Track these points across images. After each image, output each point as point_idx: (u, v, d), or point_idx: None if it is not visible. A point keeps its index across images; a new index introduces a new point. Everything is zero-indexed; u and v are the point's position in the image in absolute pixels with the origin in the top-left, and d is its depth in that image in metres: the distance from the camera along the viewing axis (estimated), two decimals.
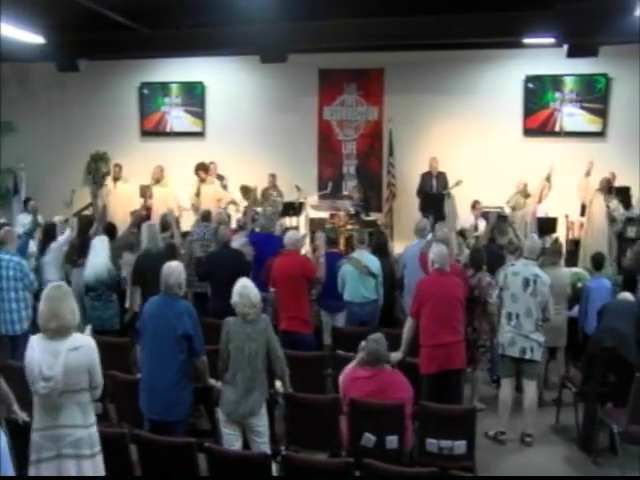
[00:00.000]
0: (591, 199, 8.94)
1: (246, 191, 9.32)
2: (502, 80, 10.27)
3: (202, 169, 9.93)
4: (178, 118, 11.55)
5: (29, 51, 9.11)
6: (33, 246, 7.00)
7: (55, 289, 3.49)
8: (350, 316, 6.04)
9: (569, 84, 10.17)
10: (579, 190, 9.08)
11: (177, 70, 11.28)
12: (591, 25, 7.74)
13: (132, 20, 8.64)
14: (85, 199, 10.66)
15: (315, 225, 9.46)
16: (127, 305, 6.34)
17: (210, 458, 3.76)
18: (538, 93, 10.28)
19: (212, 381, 4.38)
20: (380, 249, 6.42)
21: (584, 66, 9.60)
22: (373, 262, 6.04)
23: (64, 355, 3.32)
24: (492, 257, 6.02)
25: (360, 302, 5.97)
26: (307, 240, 8.06)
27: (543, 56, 9.75)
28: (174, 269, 4.26)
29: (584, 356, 5.38)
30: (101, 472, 3.48)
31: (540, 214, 9.31)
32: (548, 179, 9.02)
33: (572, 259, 8.83)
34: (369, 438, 4.14)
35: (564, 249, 8.13)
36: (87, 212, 10.33)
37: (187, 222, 9.04)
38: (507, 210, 8.98)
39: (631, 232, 8.98)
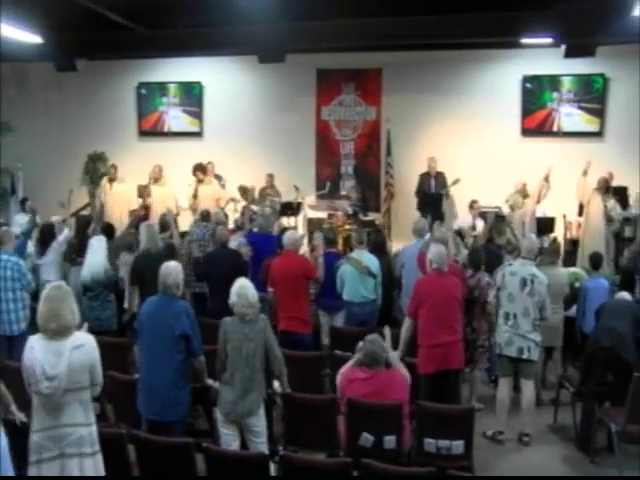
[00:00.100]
0: (589, 199, 8.94)
1: (244, 191, 9.31)
2: (500, 80, 10.28)
3: (200, 170, 9.93)
4: (176, 118, 11.53)
5: (27, 51, 9.10)
6: (31, 246, 6.99)
7: (55, 289, 3.49)
8: (350, 316, 6.04)
9: (567, 84, 10.18)
10: (577, 190, 9.09)
11: (175, 70, 11.26)
12: (589, 25, 7.75)
13: (130, 20, 8.63)
14: (83, 199, 10.65)
15: (313, 225, 9.45)
16: (126, 305, 6.34)
17: (208, 458, 3.76)
18: (536, 93, 10.28)
19: (210, 381, 4.38)
20: (378, 248, 6.42)
21: (581, 66, 9.61)
22: (373, 262, 6.04)
23: (68, 354, 3.34)
24: (490, 257, 6.02)
25: (360, 302, 5.97)
26: (305, 240, 8.06)
27: (541, 56, 9.76)
28: (172, 269, 4.26)
29: (582, 356, 5.39)
30: (101, 470, 3.50)
31: (538, 214, 9.32)
32: (547, 179, 9.03)
33: (570, 259, 8.84)
34: (367, 438, 4.14)
35: (562, 249, 8.13)
36: (85, 212, 10.33)
37: (185, 222, 9.04)
38: (505, 209, 8.98)
39: (628, 232, 9.00)
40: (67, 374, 3.32)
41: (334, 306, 6.16)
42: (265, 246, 6.56)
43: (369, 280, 5.98)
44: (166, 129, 11.60)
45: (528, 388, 5.26)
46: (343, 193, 10.29)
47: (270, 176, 10.26)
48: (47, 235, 6.82)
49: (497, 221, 7.41)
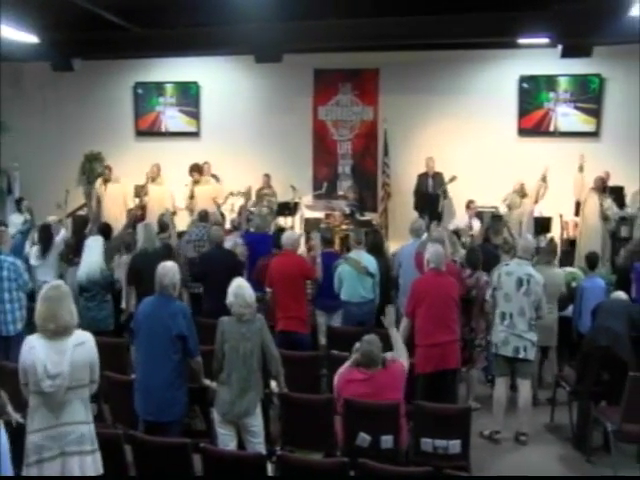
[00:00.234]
0: (585, 198, 8.96)
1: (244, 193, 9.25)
2: (497, 80, 10.29)
3: (196, 170, 9.92)
4: (173, 118, 11.52)
5: (23, 50, 9.06)
6: (28, 247, 6.97)
7: (53, 289, 3.48)
8: (348, 316, 6.03)
9: (563, 84, 10.20)
10: (574, 187, 9.08)
11: (172, 70, 11.25)
12: (585, 26, 7.76)
13: (126, 20, 8.61)
14: (79, 199, 10.63)
15: (310, 225, 9.45)
16: (123, 305, 6.32)
17: (205, 458, 3.76)
18: (532, 93, 10.30)
19: (207, 381, 4.37)
20: (376, 248, 6.42)
21: (578, 66, 9.63)
22: (371, 262, 6.03)
23: (70, 351, 3.36)
24: (487, 257, 6.03)
25: (358, 302, 5.96)
26: (302, 240, 8.05)
27: (537, 56, 9.79)
28: (169, 269, 4.26)
29: (578, 355, 5.40)
30: (100, 468, 3.51)
31: (535, 214, 9.33)
32: (544, 179, 9.04)
33: (568, 259, 8.85)
34: (364, 438, 4.14)
35: (559, 249, 8.14)
36: (81, 212, 10.30)
37: (182, 222, 9.03)
38: (502, 209, 8.99)
39: (625, 231, 9.00)
40: (70, 372, 3.34)
41: (331, 306, 6.16)
42: (261, 246, 6.55)
43: (367, 280, 5.98)
44: (163, 129, 11.58)
45: (525, 388, 5.27)
46: (340, 193, 10.30)
47: (267, 176, 10.25)
48: (47, 236, 6.79)
49: (494, 221, 7.42)
